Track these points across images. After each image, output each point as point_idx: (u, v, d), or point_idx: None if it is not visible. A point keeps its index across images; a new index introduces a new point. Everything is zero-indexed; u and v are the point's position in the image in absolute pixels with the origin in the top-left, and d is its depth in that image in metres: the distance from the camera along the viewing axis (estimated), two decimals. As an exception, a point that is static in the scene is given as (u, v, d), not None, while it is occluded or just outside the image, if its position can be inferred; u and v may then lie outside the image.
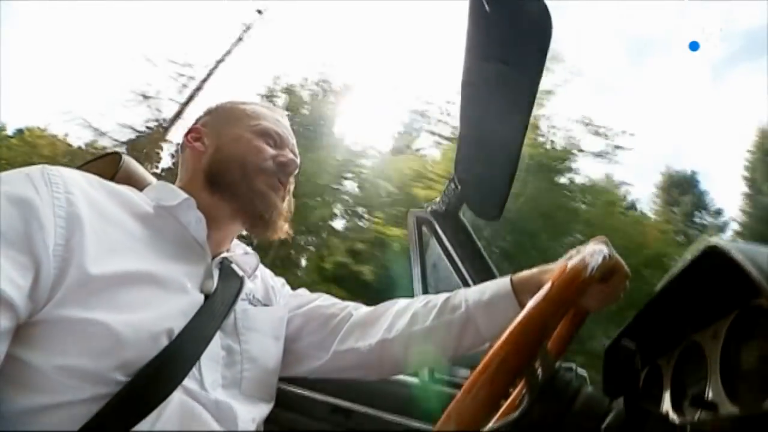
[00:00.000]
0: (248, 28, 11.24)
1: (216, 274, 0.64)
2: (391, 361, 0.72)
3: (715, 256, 0.42)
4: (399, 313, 0.73)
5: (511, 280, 0.67)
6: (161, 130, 10.10)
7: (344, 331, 0.74)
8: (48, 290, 0.46)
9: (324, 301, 0.80)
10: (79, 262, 0.48)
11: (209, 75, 10.75)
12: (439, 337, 0.69)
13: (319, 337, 0.75)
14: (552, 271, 0.60)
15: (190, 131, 0.73)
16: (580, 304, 0.58)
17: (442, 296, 0.72)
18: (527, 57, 0.75)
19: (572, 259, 0.44)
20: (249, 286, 0.71)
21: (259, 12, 11.34)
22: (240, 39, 11.14)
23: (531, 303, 0.38)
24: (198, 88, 10.60)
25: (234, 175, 0.67)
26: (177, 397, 0.52)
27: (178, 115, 10.22)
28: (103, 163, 0.83)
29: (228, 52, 10.93)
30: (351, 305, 0.79)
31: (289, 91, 11.38)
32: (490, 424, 0.37)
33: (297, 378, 0.77)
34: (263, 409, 0.65)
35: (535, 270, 0.66)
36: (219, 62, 10.86)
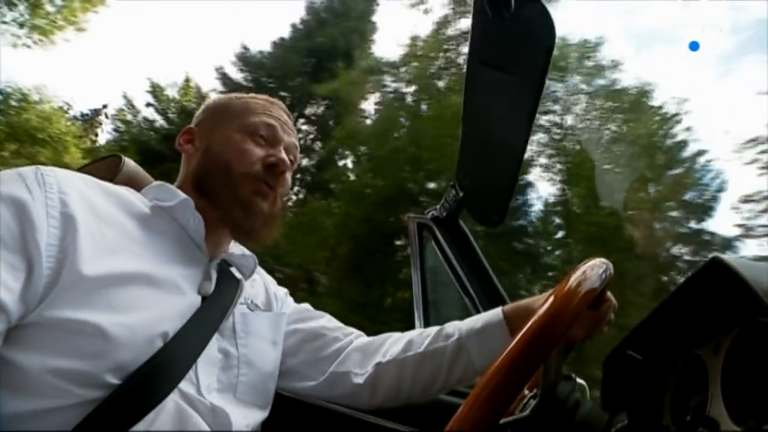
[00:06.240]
0: None
1: (214, 276, 0.63)
2: (383, 388, 0.71)
3: (718, 271, 0.42)
4: (395, 341, 0.74)
5: (503, 309, 0.69)
6: None
7: (343, 356, 0.73)
8: (41, 292, 0.46)
9: (329, 322, 0.79)
10: (73, 263, 0.47)
11: None
12: (431, 363, 0.69)
13: (316, 357, 0.74)
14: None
15: (183, 132, 0.72)
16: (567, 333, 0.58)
17: (437, 327, 0.73)
18: (530, 61, 0.74)
19: (573, 274, 0.43)
20: (249, 290, 0.70)
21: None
22: None
23: (539, 312, 0.37)
24: None
25: (218, 181, 0.65)
26: (172, 401, 0.51)
27: None
28: (104, 166, 0.82)
29: None
30: (354, 333, 0.78)
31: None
32: None
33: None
34: (258, 416, 0.64)
35: (526, 300, 0.69)
36: None
